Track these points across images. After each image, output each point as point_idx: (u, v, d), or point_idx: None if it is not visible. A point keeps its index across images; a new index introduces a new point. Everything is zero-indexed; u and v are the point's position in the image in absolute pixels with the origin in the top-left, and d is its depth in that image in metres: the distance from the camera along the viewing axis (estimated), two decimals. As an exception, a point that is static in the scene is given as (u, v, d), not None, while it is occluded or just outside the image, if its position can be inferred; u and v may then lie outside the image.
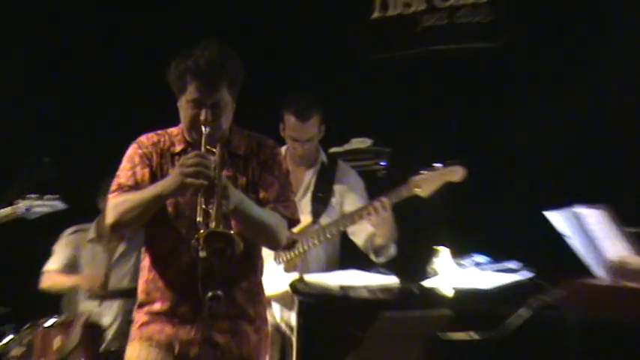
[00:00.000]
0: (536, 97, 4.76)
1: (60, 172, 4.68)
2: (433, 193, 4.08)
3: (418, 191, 4.08)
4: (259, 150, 3.17)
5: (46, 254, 4.99)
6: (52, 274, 4.89)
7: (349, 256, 4.45)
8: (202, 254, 2.82)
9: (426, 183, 4.06)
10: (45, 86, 5.72)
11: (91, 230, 5.03)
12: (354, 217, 4.16)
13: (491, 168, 4.82)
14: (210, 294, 2.97)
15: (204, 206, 2.86)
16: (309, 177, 4.37)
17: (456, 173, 4.05)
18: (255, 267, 3.22)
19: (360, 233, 4.30)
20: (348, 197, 4.36)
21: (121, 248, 4.98)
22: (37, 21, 5.74)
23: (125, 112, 5.67)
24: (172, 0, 5.83)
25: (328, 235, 4.18)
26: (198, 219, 2.85)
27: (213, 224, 2.82)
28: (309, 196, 4.35)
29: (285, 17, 5.55)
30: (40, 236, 5.08)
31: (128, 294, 4.62)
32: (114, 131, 5.27)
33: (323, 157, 4.44)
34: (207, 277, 2.99)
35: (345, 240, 4.41)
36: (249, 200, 3.03)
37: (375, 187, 4.52)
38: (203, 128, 3.00)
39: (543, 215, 3.56)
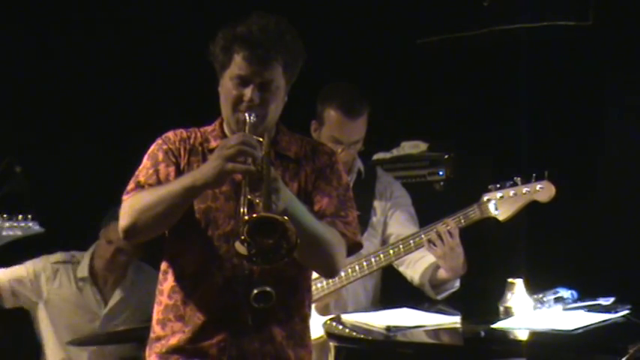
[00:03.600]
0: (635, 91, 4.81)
1: (37, 185, 4.73)
2: (513, 216, 4.10)
3: (494, 213, 4.10)
4: (314, 156, 3.22)
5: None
6: None
7: (390, 291, 4.47)
8: (242, 251, 2.74)
9: (505, 203, 4.07)
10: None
11: (83, 265, 4.86)
12: (409, 244, 4.15)
13: (580, 182, 4.82)
14: (255, 291, 2.99)
15: (249, 196, 2.83)
16: None
17: (544, 192, 4.04)
18: (301, 299, 3.22)
19: (415, 264, 4.30)
20: (393, 216, 4.37)
21: (117, 295, 4.87)
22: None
23: (138, 108, 5.60)
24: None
25: (374, 266, 4.17)
26: (241, 209, 2.82)
27: (262, 213, 2.75)
28: None
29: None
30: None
31: (123, 338, 4.65)
32: (119, 132, 5.36)
33: (359, 165, 4.41)
34: (248, 288, 3.03)
35: (386, 271, 4.39)
36: (302, 204, 3.01)
37: (431, 204, 4.57)
38: (247, 115, 3.02)
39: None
